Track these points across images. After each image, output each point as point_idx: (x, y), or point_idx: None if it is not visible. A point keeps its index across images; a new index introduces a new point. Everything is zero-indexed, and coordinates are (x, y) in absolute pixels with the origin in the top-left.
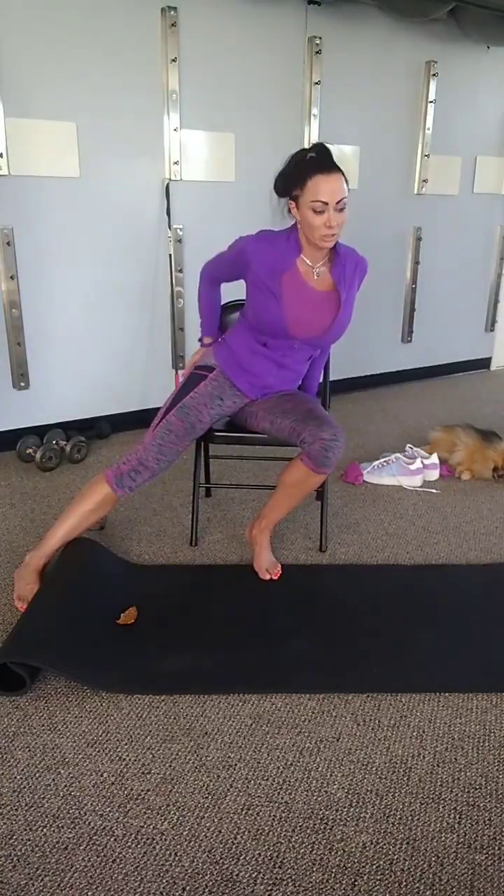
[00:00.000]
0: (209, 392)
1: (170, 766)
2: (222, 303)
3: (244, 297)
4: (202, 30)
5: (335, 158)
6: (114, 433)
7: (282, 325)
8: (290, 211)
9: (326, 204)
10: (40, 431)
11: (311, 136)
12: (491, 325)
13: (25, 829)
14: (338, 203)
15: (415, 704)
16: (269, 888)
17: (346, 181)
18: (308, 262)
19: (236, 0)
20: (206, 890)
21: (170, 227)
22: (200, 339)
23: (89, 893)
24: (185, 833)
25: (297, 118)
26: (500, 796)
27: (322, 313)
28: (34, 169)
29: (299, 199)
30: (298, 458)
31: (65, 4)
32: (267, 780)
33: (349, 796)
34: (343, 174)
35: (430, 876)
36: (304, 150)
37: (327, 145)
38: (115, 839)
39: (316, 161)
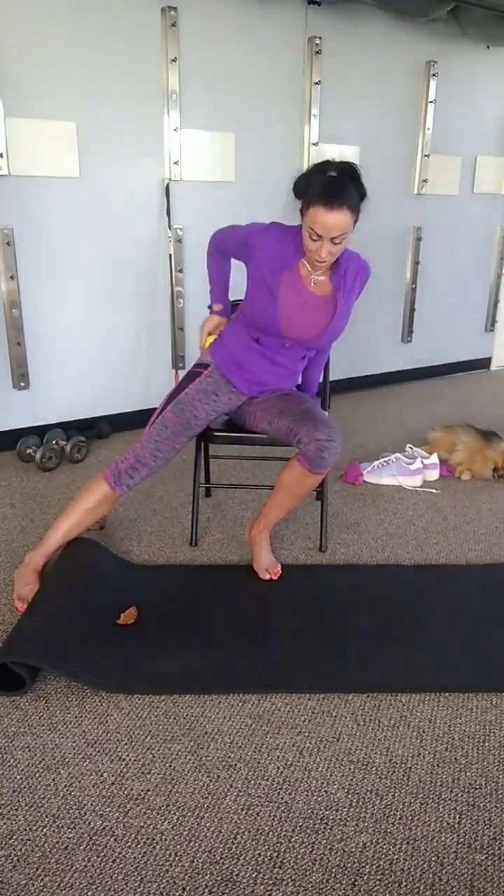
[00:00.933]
0: (204, 388)
1: (170, 766)
2: None
3: (242, 298)
4: (202, 30)
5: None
6: (114, 433)
7: (274, 325)
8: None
9: (321, 236)
10: (40, 431)
11: (311, 136)
12: (491, 325)
13: (25, 829)
14: (334, 238)
15: (415, 704)
16: (269, 888)
17: (356, 214)
18: (308, 267)
19: (236, 0)
20: (206, 890)
21: (170, 227)
22: (210, 306)
23: (89, 893)
24: (185, 833)
25: (297, 118)
26: (500, 796)
27: (317, 317)
28: (34, 169)
29: (302, 216)
30: (295, 458)
31: (65, 4)
32: (267, 780)
33: (349, 796)
34: (352, 209)
35: (430, 876)
36: (329, 163)
37: (356, 167)
38: (115, 839)
39: (326, 189)
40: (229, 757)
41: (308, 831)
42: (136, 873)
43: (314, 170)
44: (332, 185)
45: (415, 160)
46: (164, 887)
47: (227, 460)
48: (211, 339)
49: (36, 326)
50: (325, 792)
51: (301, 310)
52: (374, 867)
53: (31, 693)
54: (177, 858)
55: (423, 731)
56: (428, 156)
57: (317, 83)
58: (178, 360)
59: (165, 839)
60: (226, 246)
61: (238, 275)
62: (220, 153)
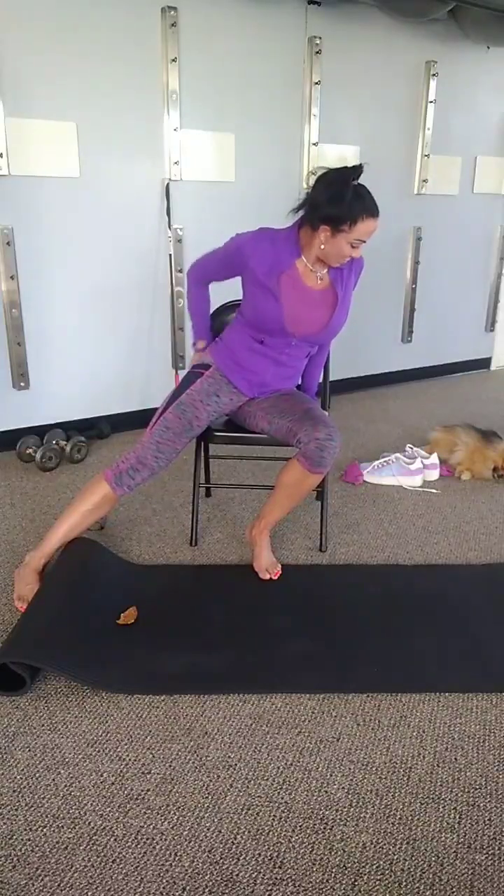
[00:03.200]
0: (206, 389)
1: (170, 766)
2: (222, 303)
3: (240, 298)
4: (202, 30)
5: (336, 160)
6: (114, 433)
7: (280, 323)
8: (314, 230)
9: (364, 242)
10: (40, 431)
11: (311, 136)
12: (491, 325)
13: (25, 829)
14: None
15: (415, 704)
16: (269, 888)
17: None
18: (308, 264)
19: (236, 0)
20: (206, 890)
21: (170, 227)
22: (194, 344)
23: (89, 893)
24: (185, 833)
25: (297, 118)
26: (500, 796)
27: (319, 311)
28: (34, 169)
29: (341, 233)
30: (295, 458)
31: (65, 4)
32: (267, 780)
33: (349, 796)
34: None
35: (430, 876)
36: (348, 172)
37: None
38: (115, 839)
39: (366, 201)
40: (229, 757)
41: (308, 831)
42: (136, 873)
43: (340, 186)
44: (364, 195)
45: (415, 160)
46: (164, 887)
47: (227, 460)
48: None
49: (36, 326)
50: (325, 792)
51: (304, 306)
52: (374, 867)
53: (31, 693)
54: (177, 858)
55: (423, 731)
56: (428, 156)
57: (317, 83)
58: (177, 360)
59: (165, 839)
60: (206, 275)
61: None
62: (220, 153)
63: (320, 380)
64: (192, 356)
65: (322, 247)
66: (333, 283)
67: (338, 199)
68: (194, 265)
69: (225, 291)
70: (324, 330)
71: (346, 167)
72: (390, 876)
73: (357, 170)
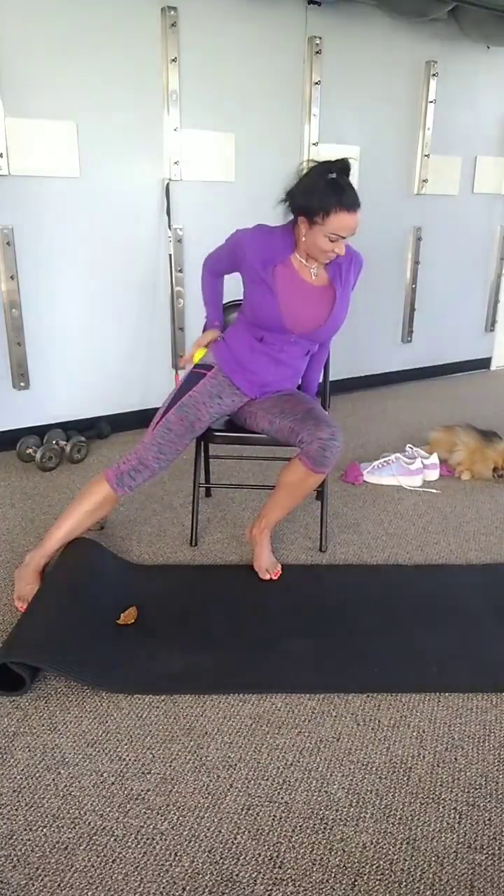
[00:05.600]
0: (208, 390)
1: (170, 766)
2: (223, 303)
3: (241, 298)
4: (202, 30)
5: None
6: (114, 433)
7: (278, 319)
8: (296, 221)
9: (343, 238)
10: (40, 431)
11: (311, 136)
12: (491, 325)
13: (25, 829)
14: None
15: (415, 704)
16: (269, 888)
17: None
18: (302, 260)
19: (236, 0)
20: (206, 890)
21: (170, 227)
22: (211, 323)
23: (89, 893)
24: (185, 833)
25: (297, 118)
26: (500, 796)
27: (317, 307)
28: (34, 169)
29: (316, 225)
30: (297, 457)
31: (65, 4)
32: (267, 780)
33: (349, 796)
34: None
35: (430, 876)
36: (328, 165)
37: (349, 162)
38: (115, 839)
39: (341, 194)
40: (229, 757)
41: (308, 831)
42: (136, 873)
43: (315, 177)
44: (344, 187)
45: (415, 160)
46: (164, 887)
47: (227, 460)
48: (201, 353)
49: (36, 326)
50: (325, 792)
51: (301, 301)
52: (374, 867)
53: (31, 693)
54: (177, 858)
55: (423, 731)
56: (428, 156)
57: (317, 83)
58: (177, 360)
59: (165, 839)
60: (218, 265)
61: (236, 276)
62: (220, 153)
63: (321, 379)
64: (204, 332)
65: (303, 239)
66: (332, 281)
67: (310, 190)
68: (208, 258)
69: (226, 292)
70: (322, 327)
71: (331, 160)
72: (390, 876)
73: (339, 163)
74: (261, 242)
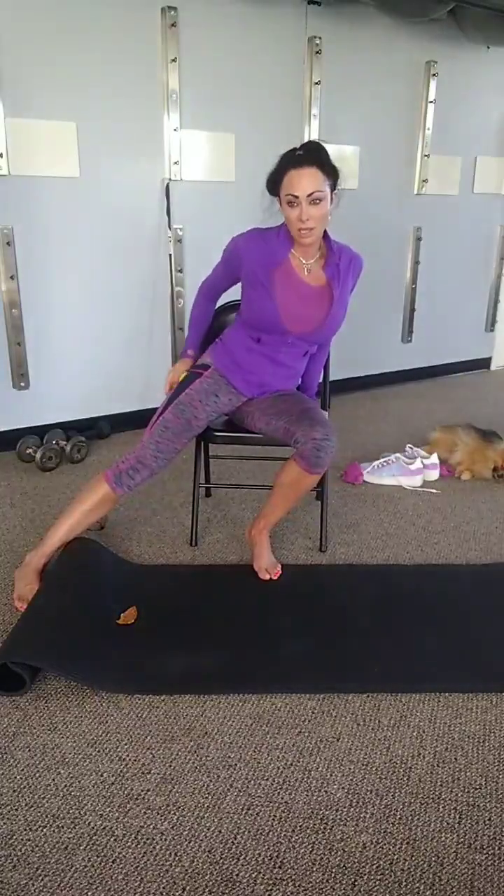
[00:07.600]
0: (204, 389)
1: (170, 766)
2: (222, 304)
3: (240, 298)
4: (202, 30)
5: (332, 156)
6: (114, 433)
7: (275, 320)
8: (279, 208)
9: (297, 197)
10: (40, 431)
11: (311, 136)
12: (491, 325)
13: (25, 829)
14: (309, 196)
15: (415, 704)
16: (269, 888)
17: (329, 175)
18: (299, 257)
19: (236, 0)
20: (206, 890)
21: (170, 227)
22: (185, 351)
23: (89, 893)
24: (185, 833)
25: (297, 118)
26: (500, 796)
27: (315, 308)
28: (34, 169)
29: (279, 197)
30: (292, 458)
31: (65, 4)
32: (267, 780)
33: (349, 796)
34: (322, 168)
35: (430, 876)
36: (294, 147)
37: (322, 143)
38: (115, 839)
39: (293, 156)
40: (229, 757)
41: (308, 831)
42: (136, 873)
43: (282, 157)
44: (301, 152)
45: (415, 160)
46: (164, 887)
47: (227, 460)
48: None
49: (36, 326)
50: (325, 792)
51: (299, 301)
52: (374, 867)
53: (31, 693)
54: (177, 858)
55: (423, 731)
56: (428, 156)
57: (317, 83)
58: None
59: (165, 839)
60: (217, 283)
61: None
62: (220, 153)
63: (320, 380)
64: (175, 367)
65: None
66: (330, 282)
67: (275, 167)
68: (203, 282)
69: (225, 292)
70: (320, 328)
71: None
72: (390, 876)
73: (308, 143)
74: (256, 246)
